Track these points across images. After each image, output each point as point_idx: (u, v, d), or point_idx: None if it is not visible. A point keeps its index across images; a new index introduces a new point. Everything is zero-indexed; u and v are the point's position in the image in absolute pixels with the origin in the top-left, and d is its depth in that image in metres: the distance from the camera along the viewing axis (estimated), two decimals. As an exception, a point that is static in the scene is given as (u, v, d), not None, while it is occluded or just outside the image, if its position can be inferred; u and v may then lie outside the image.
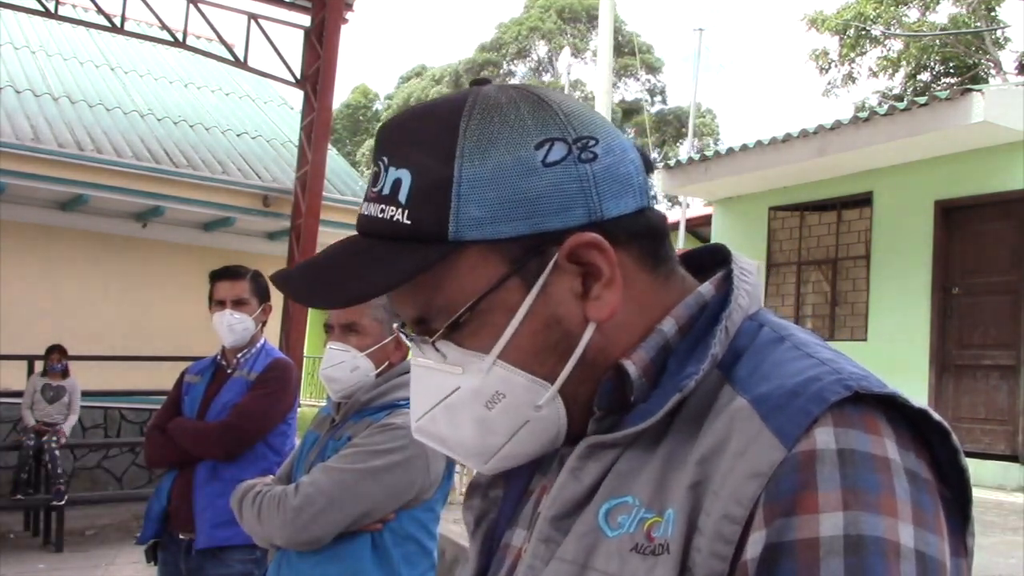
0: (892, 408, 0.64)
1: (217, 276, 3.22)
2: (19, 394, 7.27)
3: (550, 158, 0.71)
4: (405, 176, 0.73)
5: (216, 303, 3.16)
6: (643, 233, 0.76)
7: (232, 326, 3.11)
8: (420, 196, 0.72)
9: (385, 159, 0.75)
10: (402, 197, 0.72)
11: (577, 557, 0.69)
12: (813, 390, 0.63)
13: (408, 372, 2.23)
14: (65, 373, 7.29)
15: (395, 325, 0.85)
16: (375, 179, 0.76)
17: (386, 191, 0.74)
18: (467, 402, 0.76)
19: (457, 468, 3.82)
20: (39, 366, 7.45)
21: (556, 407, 0.75)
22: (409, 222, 0.72)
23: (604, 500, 0.70)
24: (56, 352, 7.27)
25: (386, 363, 2.27)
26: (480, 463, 0.79)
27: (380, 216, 0.74)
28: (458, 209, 0.71)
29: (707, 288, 0.77)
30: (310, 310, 8.32)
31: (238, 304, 3.13)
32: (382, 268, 0.73)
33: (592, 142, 0.73)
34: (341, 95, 37.35)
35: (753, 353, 0.70)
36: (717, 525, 0.62)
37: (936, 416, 0.65)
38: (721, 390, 0.69)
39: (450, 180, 0.71)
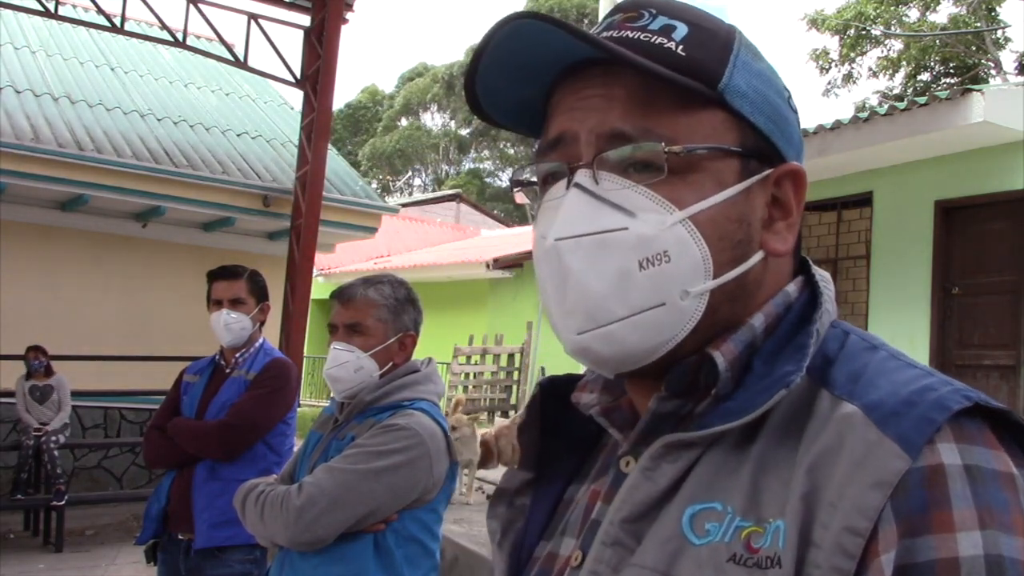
0: (999, 422, 0.62)
1: (214, 276, 3.22)
2: (17, 394, 7.24)
3: (792, 103, 0.76)
4: (680, 26, 0.70)
5: (214, 303, 3.16)
6: None
7: (229, 325, 3.11)
8: (698, 42, 0.70)
9: (653, 9, 0.72)
10: (676, 36, 0.70)
11: (658, 564, 0.64)
12: (932, 398, 0.60)
13: (411, 373, 2.26)
14: (48, 371, 7.21)
15: (545, 168, 0.72)
16: (634, 18, 0.72)
17: (654, 27, 0.70)
18: (625, 247, 0.67)
19: (460, 470, 3.82)
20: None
21: (696, 306, 0.69)
22: (683, 54, 0.69)
23: (687, 504, 0.65)
24: (33, 351, 7.19)
25: (390, 364, 2.27)
26: (577, 326, 0.69)
27: (645, 39, 0.69)
28: (732, 72, 0.70)
29: (792, 289, 0.75)
30: (309, 311, 8.31)
31: (235, 303, 3.13)
32: (651, 58, 0.68)
33: None
34: (344, 95, 37.36)
35: (846, 360, 0.68)
36: (838, 538, 0.58)
37: None
38: (818, 395, 0.65)
39: (731, 46, 0.71)
